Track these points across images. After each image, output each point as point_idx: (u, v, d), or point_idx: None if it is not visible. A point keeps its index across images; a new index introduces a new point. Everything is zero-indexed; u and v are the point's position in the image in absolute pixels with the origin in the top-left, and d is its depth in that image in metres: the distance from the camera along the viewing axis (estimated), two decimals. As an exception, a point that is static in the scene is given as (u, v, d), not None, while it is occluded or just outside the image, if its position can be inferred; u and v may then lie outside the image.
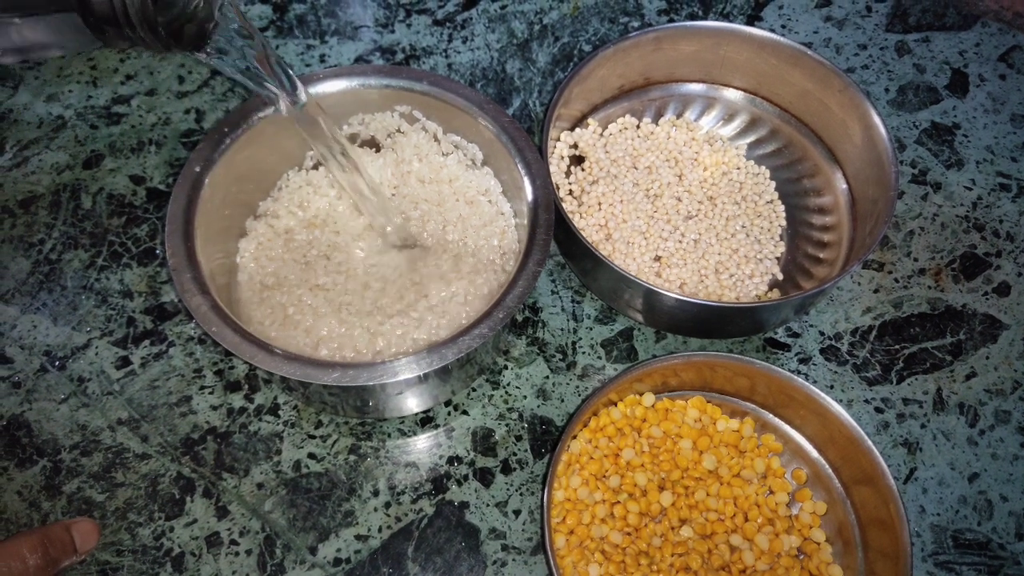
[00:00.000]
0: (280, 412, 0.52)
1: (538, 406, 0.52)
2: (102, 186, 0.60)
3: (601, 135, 0.61)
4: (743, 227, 0.57)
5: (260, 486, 0.49)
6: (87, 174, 0.60)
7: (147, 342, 0.54)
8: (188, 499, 0.49)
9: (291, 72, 0.44)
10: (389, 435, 0.51)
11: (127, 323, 0.54)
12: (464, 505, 0.49)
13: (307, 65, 0.66)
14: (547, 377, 0.53)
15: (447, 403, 0.52)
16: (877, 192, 0.54)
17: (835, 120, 0.59)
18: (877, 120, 0.55)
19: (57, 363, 0.53)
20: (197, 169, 0.48)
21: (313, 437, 0.51)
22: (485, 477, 0.50)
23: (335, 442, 0.51)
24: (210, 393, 0.52)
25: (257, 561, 0.47)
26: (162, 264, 0.56)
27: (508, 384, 0.53)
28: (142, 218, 0.58)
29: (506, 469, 0.50)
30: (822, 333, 0.56)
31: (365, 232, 0.52)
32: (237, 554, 0.48)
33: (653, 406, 0.50)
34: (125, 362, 0.53)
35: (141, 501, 0.49)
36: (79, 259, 0.57)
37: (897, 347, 0.55)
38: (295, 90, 0.44)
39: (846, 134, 0.58)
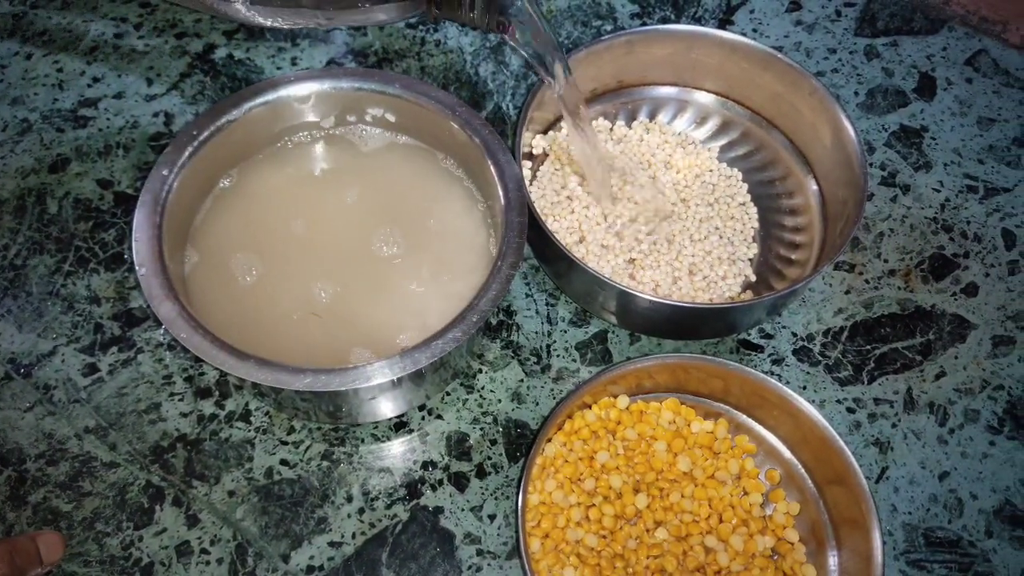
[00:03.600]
0: (252, 418, 0.51)
1: (513, 410, 0.52)
2: (68, 190, 0.59)
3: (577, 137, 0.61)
4: (716, 229, 0.57)
5: (231, 494, 0.49)
6: (53, 178, 0.59)
7: (115, 349, 0.53)
8: (157, 508, 0.48)
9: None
10: (363, 440, 0.51)
11: (94, 329, 0.53)
12: (439, 510, 0.49)
13: (278, 68, 0.66)
14: (522, 380, 0.53)
15: (421, 408, 0.52)
16: (847, 194, 0.55)
17: (806, 123, 0.59)
18: (847, 123, 0.55)
19: (22, 370, 0.52)
20: (165, 172, 0.47)
21: (285, 443, 0.50)
22: (460, 482, 0.50)
23: (308, 448, 0.50)
24: (180, 400, 0.51)
25: (228, 570, 0.47)
26: (130, 269, 0.56)
27: (482, 388, 0.53)
28: (110, 223, 0.57)
29: (481, 473, 0.50)
30: (794, 334, 0.56)
31: (328, 217, 0.52)
32: (208, 563, 0.47)
33: (627, 408, 0.50)
34: (92, 369, 0.52)
35: (109, 510, 0.48)
36: (45, 265, 0.56)
37: (868, 347, 0.56)
38: (564, 61, 0.49)
39: (816, 137, 0.58)
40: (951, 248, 0.60)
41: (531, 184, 0.58)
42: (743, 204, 0.59)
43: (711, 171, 0.60)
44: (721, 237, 0.57)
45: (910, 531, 0.50)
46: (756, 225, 0.58)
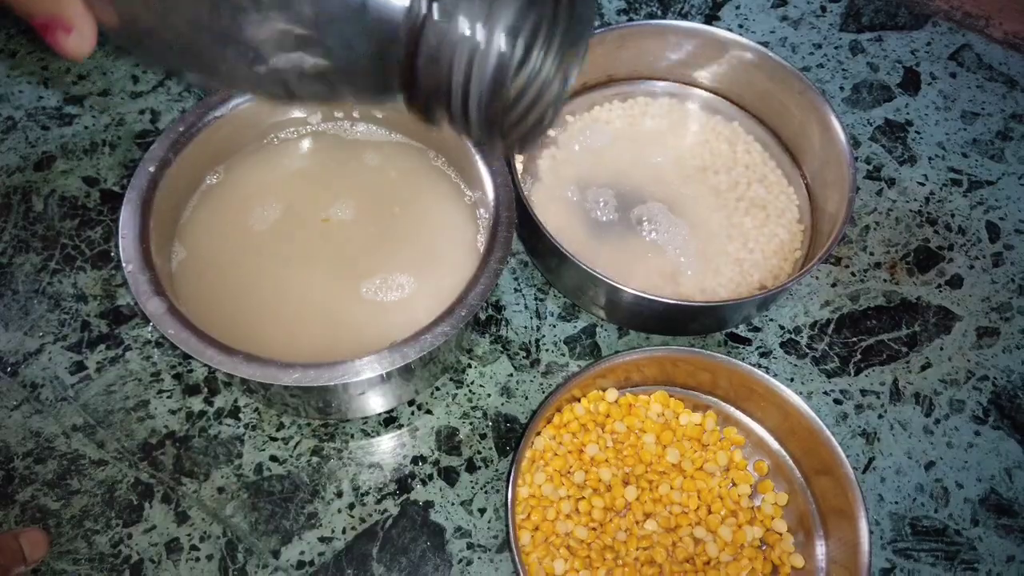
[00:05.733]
0: (241, 415, 0.51)
1: (502, 404, 0.52)
2: (54, 188, 0.58)
3: (565, 130, 0.61)
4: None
5: (221, 490, 0.49)
6: (38, 176, 0.59)
7: (102, 346, 0.53)
8: (147, 505, 0.48)
9: None
10: (352, 436, 0.51)
11: (81, 327, 0.53)
12: (429, 504, 0.49)
13: (265, 64, 0.65)
14: (511, 375, 0.53)
15: (411, 403, 0.52)
16: (835, 192, 0.55)
17: (794, 121, 0.59)
18: (835, 123, 0.55)
19: (9, 369, 0.52)
20: (151, 169, 0.47)
21: (275, 439, 0.50)
22: (450, 476, 0.50)
23: (297, 444, 0.50)
24: (168, 397, 0.51)
25: (219, 566, 0.47)
26: (117, 267, 0.55)
27: (472, 382, 0.53)
28: (96, 220, 0.57)
29: (471, 467, 0.50)
30: (782, 327, 0.56)
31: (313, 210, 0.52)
32: (198, 559, 0.47)
33: (616, 401, 0.51)
34: (80, 367, 0.52)
35: (98, 508, 0.48)
36: (31, 263, 0.55)
37: (854, 339, 0.56)
38: None
39: (805, 135, 0.59)
40: (936, 241, 0.61)
41: (524, 177, 0.58)
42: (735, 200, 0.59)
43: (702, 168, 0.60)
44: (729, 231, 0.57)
45: (897, 520, 0.50)
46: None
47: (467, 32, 0.26)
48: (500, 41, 0.26)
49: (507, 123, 0.28)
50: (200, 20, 0.26)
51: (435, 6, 0.26)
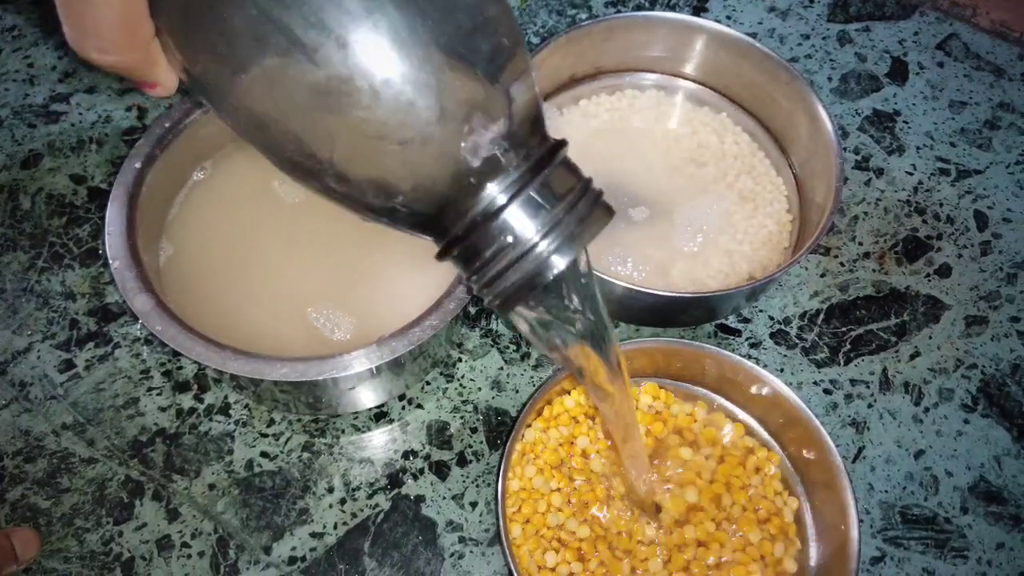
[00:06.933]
0: (231, 411, 0.51)
1: (493, 398, 0.52)
2: (41, 186, 0.58)
3: (552, 124, 0.61)
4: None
5: (212, 487, 0.49)
6: (25, 174, 0.59)
7: (91, 344, 0.52)
8: (137, 502, 0.48)
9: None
10: (343, 431, 0.51)
11: (70, 325, 0.53)
12: (420, 499, 0.49)
13: (252, 60, 0.65)
14: (501, 368, 0.53)
15: (401, 397, 0.52)
16: (823, 182, 0.55)
17: (782, 112, 0.59)
18: (823, 113, 0.55)
19: (-3, 368, 0.51)
20: (137, 166, 0.47)
21: (265, 435, 0.50)
22: (441, 470, 0.50)
23: (288, 440, 0.50)
24: (158, 394, 0.51)
25: (210, 563, 0.47)
26: (105, 264, 0.55)
27: (462, 377, 0.53)
28: (84, 218, 0.57)
29: (462, 461, 0.50)
30: (771, 318, 0.57)
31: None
32: (189, 556, 0.47)
33: (607, 394, 0.51)
34: (69, 365, 0.52)
35: (88, 506, 0.48)
36: (18, 261, 0.55)
37: (844, 329, 0.56)
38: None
39: (793, 126, 0.59)
40: (924, 230, 0.61)
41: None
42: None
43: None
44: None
45: (887, 509, 0.51)
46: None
47: (531, 237, 0.30)
48: (552, 252, 0.30)
49: (520, 302, 0.32)
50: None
51: (516, 202, 0.30)
